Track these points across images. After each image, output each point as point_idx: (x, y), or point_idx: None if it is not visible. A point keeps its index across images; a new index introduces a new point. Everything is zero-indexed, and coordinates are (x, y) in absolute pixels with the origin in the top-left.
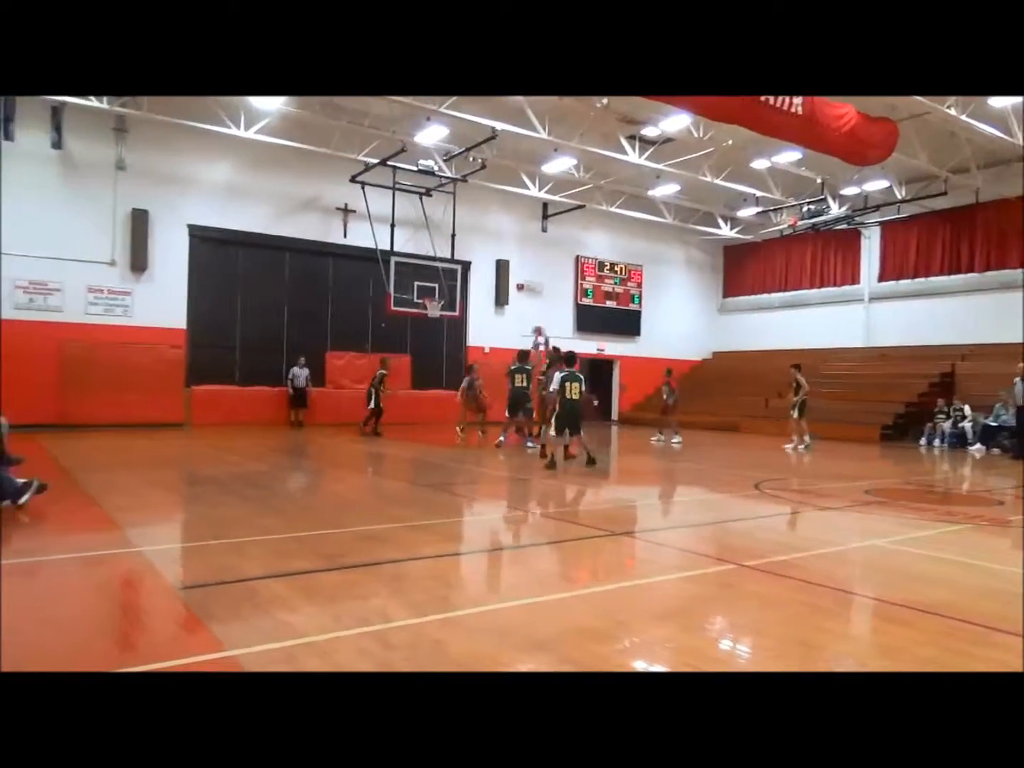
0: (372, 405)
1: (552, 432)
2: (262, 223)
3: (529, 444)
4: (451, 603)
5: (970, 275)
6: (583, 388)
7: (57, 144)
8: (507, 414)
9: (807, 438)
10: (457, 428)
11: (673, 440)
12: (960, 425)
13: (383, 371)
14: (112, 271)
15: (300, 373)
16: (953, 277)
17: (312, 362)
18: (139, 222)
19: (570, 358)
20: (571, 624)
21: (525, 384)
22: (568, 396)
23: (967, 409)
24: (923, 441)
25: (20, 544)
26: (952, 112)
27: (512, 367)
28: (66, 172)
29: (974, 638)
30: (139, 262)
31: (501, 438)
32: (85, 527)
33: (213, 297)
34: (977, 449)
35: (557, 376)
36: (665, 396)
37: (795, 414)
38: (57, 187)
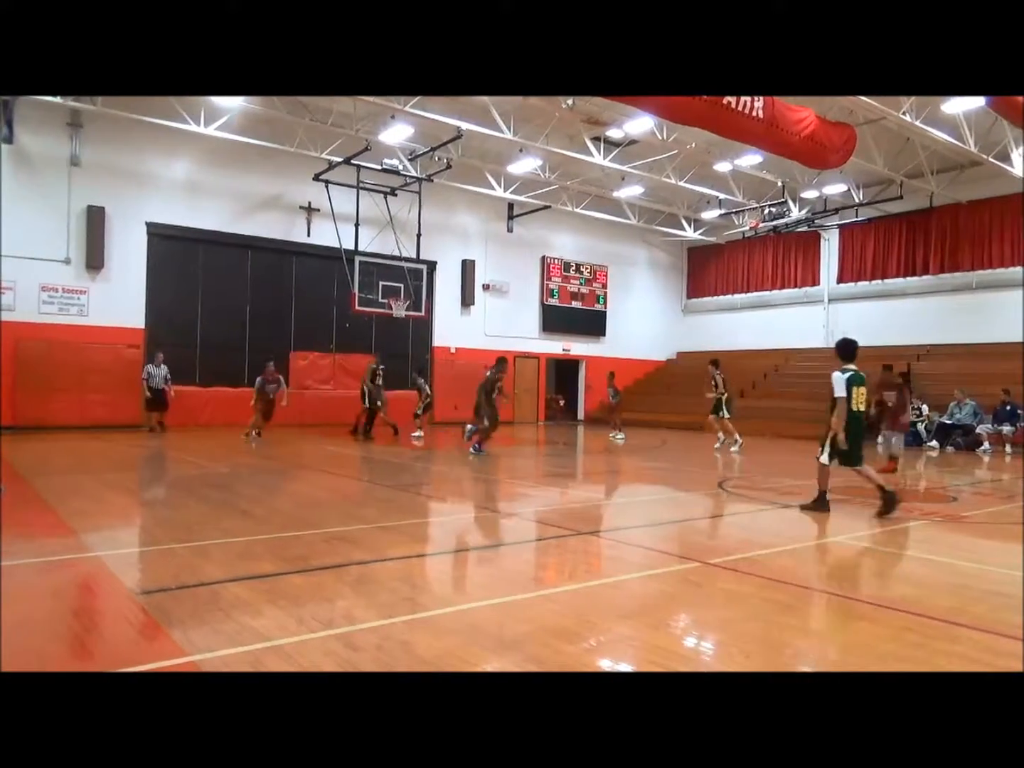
0: (366, 404)
1: (824, 459)
2: (223, 221)
3: (474, 451)
4: (418, 604)
5: (925, 277)
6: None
7: (8, 139)
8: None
9: (722, 436)
10: (243, 435)
11: (616, 436)
12: (917, 426)
13: (374, 366)
14: (67, 269)
15: (157, 372)
16: (909, 279)
17: (276, 362)
18: (95, 219)
19: (849, 348)
20: (538, 623)
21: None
22: (855, 408)
23: (925, 409)
24: (880, 440)
25: None
26: (907, 118)
27: (496, 377)
28: (18, 167)
29: (935, 633)
30: (95, 260)
31: (478, 453)
32: (40, 532)
33: (173, 296)
34: (932, 446)
35: (840, 377)
36: (611, 397)
37: (724, 414)
38: (9, 182)
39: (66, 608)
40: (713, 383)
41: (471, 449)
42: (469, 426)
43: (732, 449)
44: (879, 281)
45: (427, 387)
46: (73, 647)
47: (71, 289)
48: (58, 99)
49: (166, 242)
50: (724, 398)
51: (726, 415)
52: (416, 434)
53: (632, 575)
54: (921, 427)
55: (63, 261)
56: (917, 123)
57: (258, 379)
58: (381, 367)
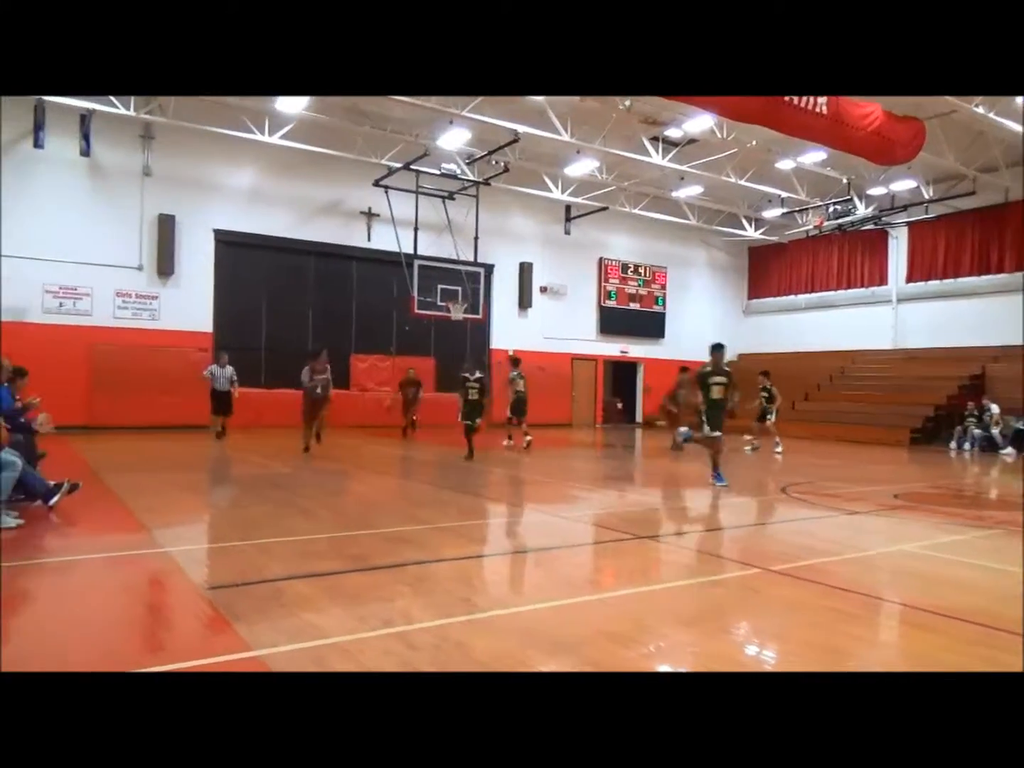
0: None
1: None
2: (286, 227)
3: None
4: (475, 605)
5: (1000, 275)
6: None
7: (85, 151)
8: (709, 430)
9: (755, 441)
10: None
11: (746, 447)
12: (989, 429)
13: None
14: (140, 276)
15: (221, 373)
16: (982, 278)
17: (337, 365)
18: (165, 227)
19: None
20: (595, 627)
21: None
22: None
23: (995, 408)
24: (953, 444)
25: (50, 543)
26: (979, 110)
27: (705, 369)
28: (94, 178)
29: (1002, 644)
30: (166, 266)
31: (719, 482)
32: (113, 528)
33: (239, 300)
34: (1008, 453)
35: None
36: (764, 401)
37: (771, 418)
38: (86, 193)
39: (138, 602)
40: (765, 393)
41: (712, 479)
42: (682, 429)
43: (746, 449)
44: (951, 280)
45: (520, 382)
46: (146, 640)
47: (143, 295)
48: (131, 112)
49: (232, 248)
50: (775, 407)
51: (771, 419)
52: (522, 440)
53: (691, 580)
54: (996, 431)
55: (136, 268)
56: (990, 115)
57: (304, 370)
58: (476, 376)
